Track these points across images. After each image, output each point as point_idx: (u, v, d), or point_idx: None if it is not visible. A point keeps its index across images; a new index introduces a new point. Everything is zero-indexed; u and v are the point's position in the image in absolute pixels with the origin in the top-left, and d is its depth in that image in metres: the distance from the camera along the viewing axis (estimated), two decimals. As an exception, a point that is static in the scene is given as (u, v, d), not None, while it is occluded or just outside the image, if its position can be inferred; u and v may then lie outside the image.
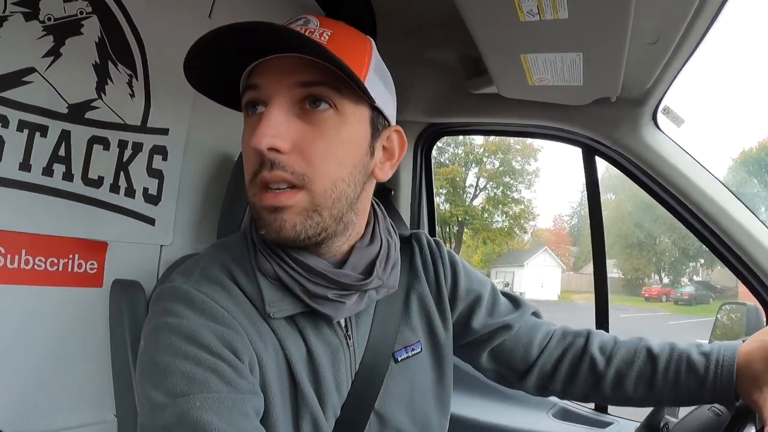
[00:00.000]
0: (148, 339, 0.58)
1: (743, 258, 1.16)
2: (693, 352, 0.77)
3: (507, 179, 23.16)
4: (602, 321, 1.38)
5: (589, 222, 1.39)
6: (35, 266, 0.88)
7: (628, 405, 0.84)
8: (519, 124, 1.44)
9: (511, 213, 23.09)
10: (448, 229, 22.33)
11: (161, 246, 1.06)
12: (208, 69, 0.61)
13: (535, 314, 0.88)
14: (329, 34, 0.60)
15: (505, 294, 0.87)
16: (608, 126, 1.27)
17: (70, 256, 0.92)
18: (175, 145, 1.07)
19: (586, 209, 1.40)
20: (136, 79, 1.01)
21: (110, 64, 0.97)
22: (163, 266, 1.04)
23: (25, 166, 0.86)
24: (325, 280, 0.63)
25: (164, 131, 1.06)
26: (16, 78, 0.85)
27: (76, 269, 0.93)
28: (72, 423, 0.91)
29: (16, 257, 0.85)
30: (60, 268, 0.91)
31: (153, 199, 1.04)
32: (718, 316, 1.28)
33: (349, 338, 0.68)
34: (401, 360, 0.73)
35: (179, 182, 1.09)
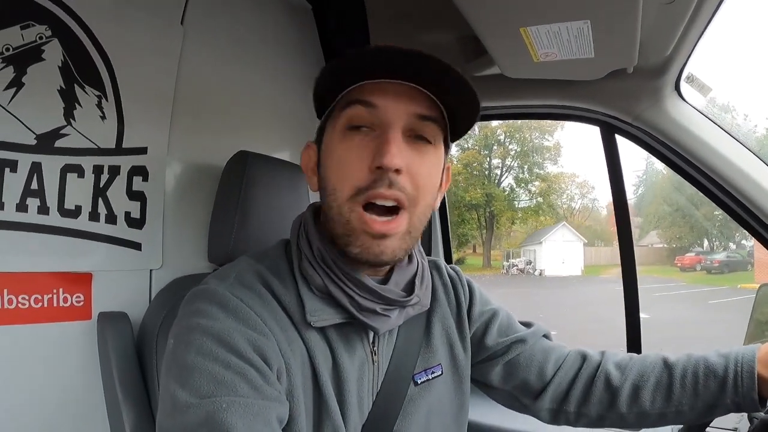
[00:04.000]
0: (178, 338, 0.59)
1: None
2: (710, 355, 0.76)
3: (534, 157, 23.14)
4: (631, 300, 1.26)
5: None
6: (19, 305, 0.86)
7: (646, 425, 0.79)
8: (529, 105, 1.32)
9: (534, 191, 23.20)
10: (483, 211, 22.48)
11: (151, 270, 1.02)
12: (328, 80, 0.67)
13: (546, 336, 0.88)
14: None
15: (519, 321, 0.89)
16: (627, 100, 1.14)
17: (54, 290, 0.90)
18: (155, 163, 1.03)
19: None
20: (106, 99, 0.96)
21: (77, 87, 0.92)
22: (155, 291, 1.01)
23: (-3, 204, 0.84)
24: (374, 295, 0.66)
25: (142, 150, 1.01)
26: (-22, 116, 0.82)
27: (62, 303, 0.90)
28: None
29: (-1, 298, 0.83)
30: (45, 304, 0.89)
31: (136, 223, 1.00)
32: (758, 298, 1.14)
33: (375, 354, 0.70)
34: (421, 383, 0.75)
35: (164, 202, 1.04)
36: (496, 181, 23.17)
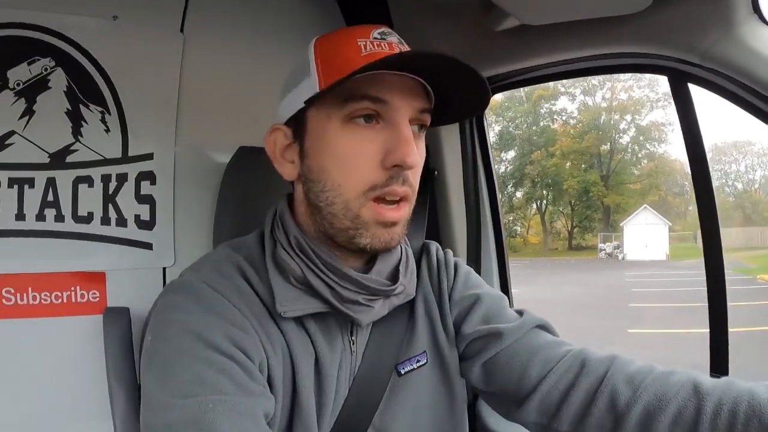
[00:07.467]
0: (155, 334, 0.58)
1: None
2: (758, 388, 0.58)
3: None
4: (716, 285, 0.93)
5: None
6: (42, 301, 0.99)
7: None
8: (572, 59, 1.04)
9: (637, 173, 24.40)
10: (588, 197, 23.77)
11: (164, 268, 1.09)
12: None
13: (543, 327, 0.74)
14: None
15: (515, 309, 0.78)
16: (689, 33, 0.83)
17: (72, 288, 1.01)
18: (162, 167, 1.10)
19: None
20: (109, 114, 1.06)
21: (82, 107, 1.04)
22: (169, 288, 1.08)
23: (20, 216, 0.98)
24: (356, 285, 0.64)
25: (148, 156, 1.09)
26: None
27: (78, 299, 1.02)
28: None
29: (24, 295, 0.98)
30: (64, 300, 1.01)
31: (147, 225, 1.08)
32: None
33: (353, 343, 0.68)
34: (405, 373, 0.71)
35: (174, 203, 1.11)
36: (606, 166, 23.94)
